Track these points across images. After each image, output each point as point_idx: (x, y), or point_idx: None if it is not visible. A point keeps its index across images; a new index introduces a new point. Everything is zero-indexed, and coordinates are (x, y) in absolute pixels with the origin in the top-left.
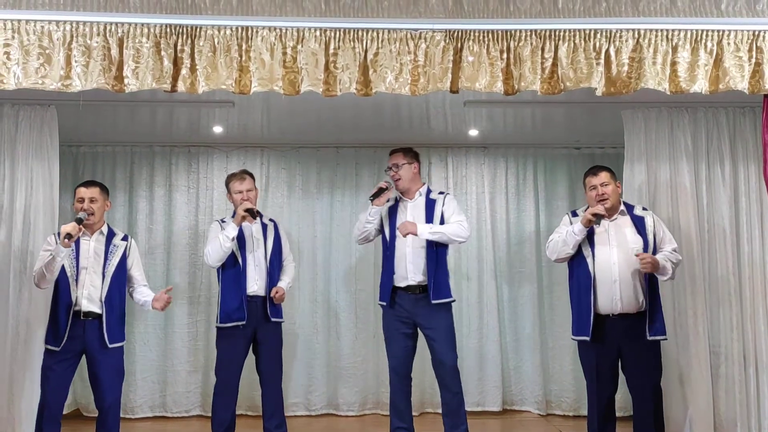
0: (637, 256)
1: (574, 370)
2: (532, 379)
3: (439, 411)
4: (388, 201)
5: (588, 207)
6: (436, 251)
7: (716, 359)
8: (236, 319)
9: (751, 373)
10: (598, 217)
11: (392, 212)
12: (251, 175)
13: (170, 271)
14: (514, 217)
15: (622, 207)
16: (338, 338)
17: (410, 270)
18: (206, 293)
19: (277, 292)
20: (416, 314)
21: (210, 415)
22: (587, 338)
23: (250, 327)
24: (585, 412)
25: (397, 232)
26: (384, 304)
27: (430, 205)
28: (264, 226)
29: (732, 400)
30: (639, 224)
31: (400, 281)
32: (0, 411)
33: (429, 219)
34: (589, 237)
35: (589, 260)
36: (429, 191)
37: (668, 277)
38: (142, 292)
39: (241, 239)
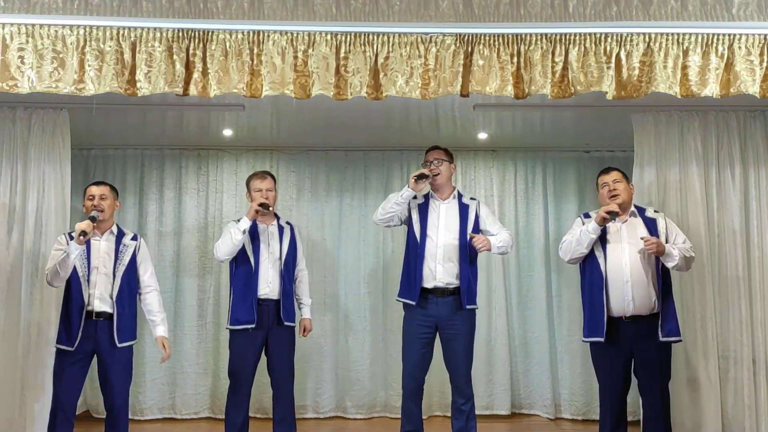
0: (642, 239)
1: (583, 373)
2: (540, 382)
3: (448, 414)
4: (415, 197)
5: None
6: (469, 256)
7: (725, 363)
8: (245, 322)
9: (761, 377)
10: (612, 215)
11: (424, 211)
12: (272, 176)
13: (179, 274)
14: (523, 220)
15: (634, 209)
16: (347, 341)
17: (439, 271)
18: (215, 296)
19: (305, 329)
20: (441, 316)
21: (220, 417)
22: (601, 339)
23: (261, 330)
24: (594, 416)
25: (474, 243)
26: (412, 302)
27: (463, 209)
28: (281, 229)
29: (741, 405)
30: (651, 226)
31: (427, 282)
32: (11, 413)
33: (463, 223)
34: (602, 238)
35: (600, 261)
36: (461, 195)
37: (675, 264)
38: (149, 305)
39: (255, 239)
